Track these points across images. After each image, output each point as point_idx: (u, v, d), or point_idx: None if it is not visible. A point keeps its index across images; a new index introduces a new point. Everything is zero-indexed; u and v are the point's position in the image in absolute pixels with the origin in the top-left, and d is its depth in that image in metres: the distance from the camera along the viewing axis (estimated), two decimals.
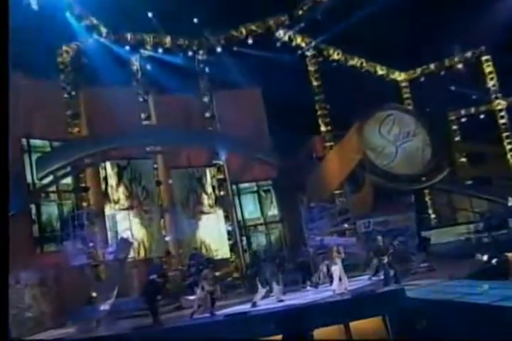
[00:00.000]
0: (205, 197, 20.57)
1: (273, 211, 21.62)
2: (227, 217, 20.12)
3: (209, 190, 20.71)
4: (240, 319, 8.98)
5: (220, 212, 20.41)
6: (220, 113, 20.73)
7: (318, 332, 8.10)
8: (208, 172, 20.91)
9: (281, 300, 11.53)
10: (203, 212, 20.29)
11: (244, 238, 20.72)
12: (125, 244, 14.61)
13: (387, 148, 22.17)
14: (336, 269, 12.09)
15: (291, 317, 8.20)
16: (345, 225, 17.97)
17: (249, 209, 21.57)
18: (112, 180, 18.90)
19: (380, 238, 12.88)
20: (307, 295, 12.08)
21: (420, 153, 22.99)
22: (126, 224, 18.30)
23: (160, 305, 13.50)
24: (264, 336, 8.17)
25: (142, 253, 18.53)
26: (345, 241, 15.94)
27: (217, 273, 15.56)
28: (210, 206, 20.47)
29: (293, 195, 18.59)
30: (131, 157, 19.34)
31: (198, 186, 20.64)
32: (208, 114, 20.57)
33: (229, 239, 19.88)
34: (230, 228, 19.99)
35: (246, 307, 11.78)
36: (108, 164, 19.09)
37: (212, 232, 20.06)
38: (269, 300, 12.07)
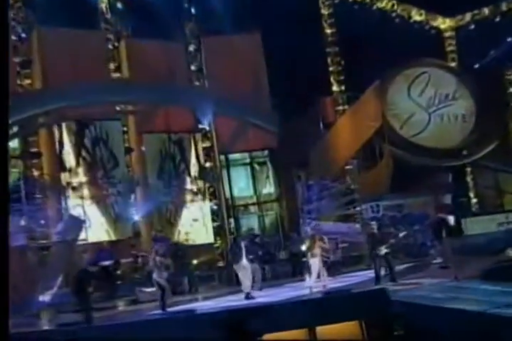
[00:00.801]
0: (186, 169, 20.65)
1: (269, 188, 21.77)
2: (212, 194, 20.07)
3: (191, 160, 20.80)
4: (185, 318, 9.10)
5: (204, 188, 20.49)
6: (209, 65, 20.39)
7: (276, 337, 8.22)
8: (191, 139, 20.91)
9: (250, 297, 11.80)
10: (182, 187, 20.43)
11: (232, 220, 20.84)
12: (75, 222, 14.60)
13: (416, 115, 21.87)
14: (315, 262, 11.94)
15: (241, 318, 8.21)
16: (350, 209, 17.88)
17: (240, 185, 21.73)
18: (70, 145, 18.74)
19: (374, 224, 12.84)
20: (285, 292, 12.22)
21: (460, 121, 22.58)
22: (83, 199, 18.29)
23: (116, 297, 14.21)
24: (206, 338, 8.31)
25: (105, 235, 18.55)
26: (348, 228, 15.91)
27: (194, 261, 16.31)
28: (192, 180, 20.62)
29: (294, 169, 18.65)
30: (96, 117, 19.19)
31: (178, 156, 20.71)
32: (194, 67, 20.34)
33: (213, 221, 19.90)
34: (215, 207, 19.91)
35: (212, 303, 12.07)
36: (66, 125, 18.86)
37: (194, 212, 20.26)
38: (236, 296, 12.32)
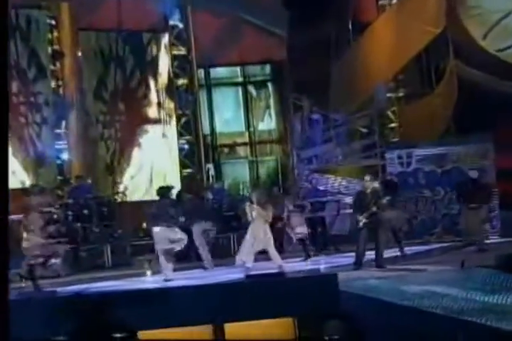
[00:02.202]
0: (145, 87, 20.05)
1: (268, 123, 21.38)
2: (184, 127, 20.00)
3: (155, 75, 20.24)
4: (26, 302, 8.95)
5: (173, 118, 20.22)
6: None
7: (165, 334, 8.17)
8: (156, 43, 20.30)
9: (169, 280, 11.96)
10: (139, 115, 19.92)
11: (210, 166, 20.65)
12: None
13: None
14: (253, 231, 11.91)
15: (102, 306, 8.13)
16: (371, 157, 17.67)
17: (226, 115, 21.26)
18: None
19: (368, 181, 12.20)
20: (235, 273, 12.21)
21: None
22: None
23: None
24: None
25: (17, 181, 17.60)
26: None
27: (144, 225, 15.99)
28: (155, 105, 20.15)
29: (294, 95, 18.54)
30: (13, 4, 17.84)
31: (133, 67, 19.95)
32: None
33: (184, 167, 19.90)
34: (186, 146, 19.98)
35: (109, 284, 12.45)
36: None
37: (153, 152, 19.91)
38: (155, 277, 12.67)
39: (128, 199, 17.80)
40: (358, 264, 11.95)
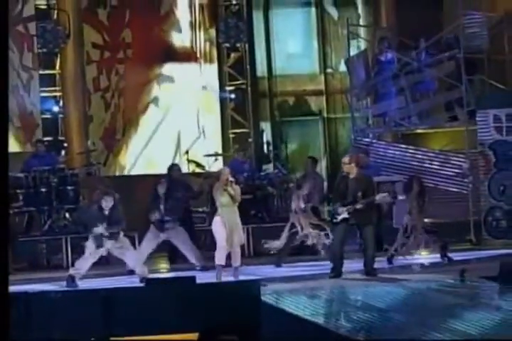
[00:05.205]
0: (169, 4, 19.51)
1: None
2: (235, 67, 19.78)
3: None
4: None
5: (213, 53, 19.91)
6: None
7: None
8: None
9: (132, 271, 12.79)
10: (159, 48, 19.35)
11: (266, 126, 20.32)
12: None
13: None
14: (218, 222, 12.53)
15: None
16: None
17: (292, 49, 20.68)
18: None
19: (346, 164, 12.41)
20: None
21: None
22: None
23: None
24: None
25: None
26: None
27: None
28: (187, 32, 19.64)
29: None
30: None
31: None
32: None
33: (230, 127, 19.79)
34: (232, 96, 19.75)
35: None
36: None
37: (185, 104, 19.56)
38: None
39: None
40: (336, 271, 12.36)
